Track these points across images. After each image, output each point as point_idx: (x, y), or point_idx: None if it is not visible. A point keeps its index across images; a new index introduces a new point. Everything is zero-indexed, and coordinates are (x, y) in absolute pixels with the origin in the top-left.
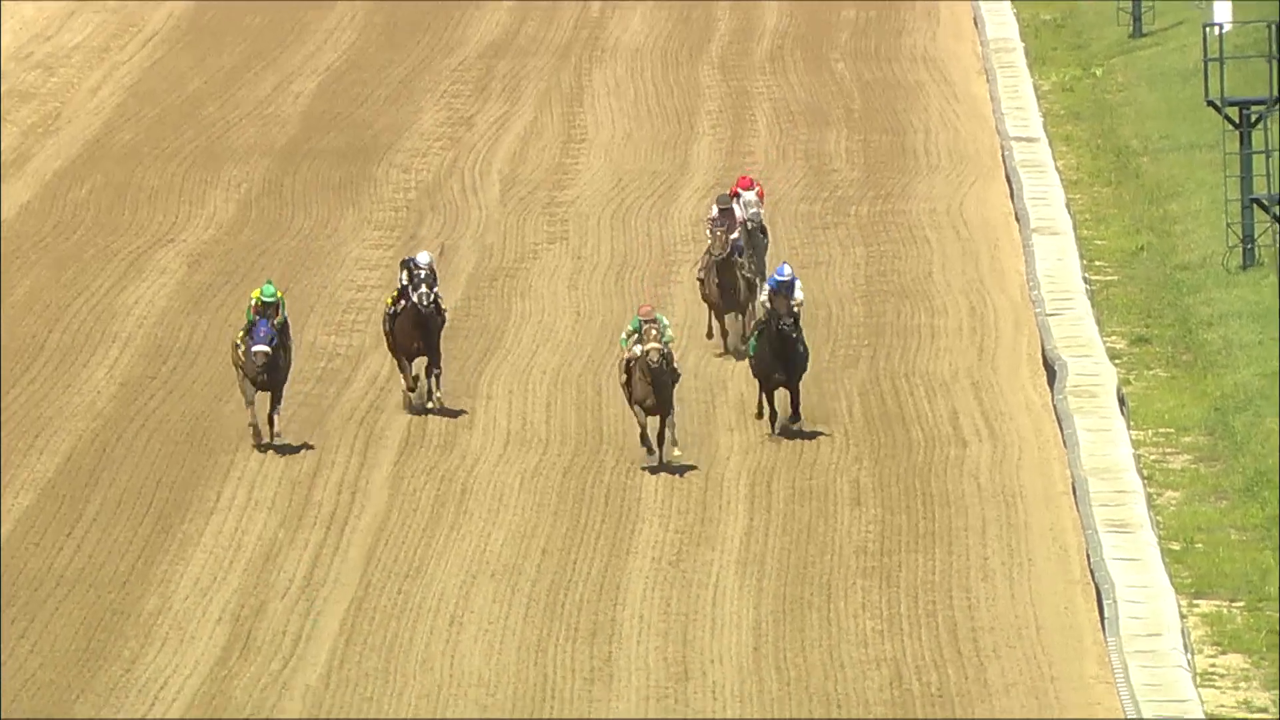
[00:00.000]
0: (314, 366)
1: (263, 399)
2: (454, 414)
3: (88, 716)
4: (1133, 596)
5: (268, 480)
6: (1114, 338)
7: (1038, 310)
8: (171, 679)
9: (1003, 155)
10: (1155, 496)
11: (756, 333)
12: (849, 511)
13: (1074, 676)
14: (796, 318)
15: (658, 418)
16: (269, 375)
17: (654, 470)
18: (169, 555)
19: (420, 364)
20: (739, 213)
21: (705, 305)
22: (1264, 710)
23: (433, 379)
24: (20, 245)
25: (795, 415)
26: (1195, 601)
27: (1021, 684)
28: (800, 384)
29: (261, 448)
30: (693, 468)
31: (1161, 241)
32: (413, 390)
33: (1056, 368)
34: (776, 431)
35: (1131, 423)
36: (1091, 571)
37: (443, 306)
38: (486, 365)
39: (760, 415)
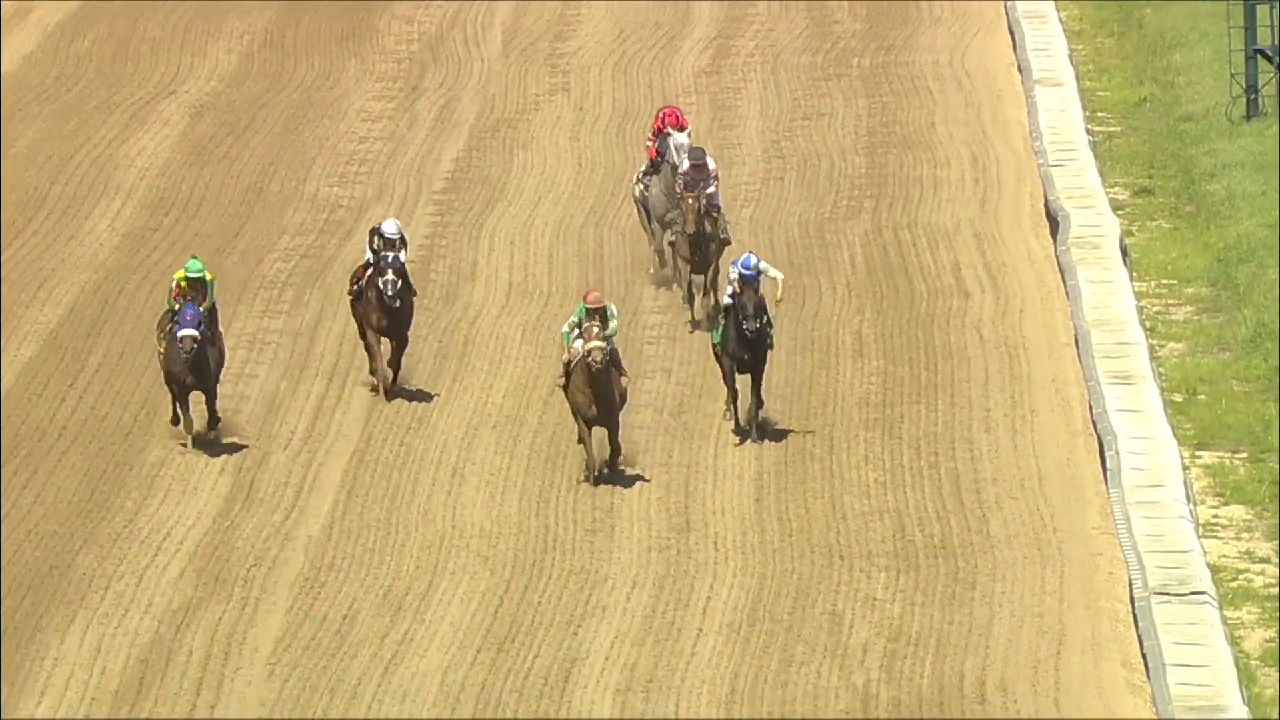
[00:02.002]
0: (316, 219)
1: (194, 401)
2: (456, 266)
3: (91, 567)
4: (1135, 448)
5: (270, 334)
6: (1116, 189)
7: (1040, 162)
8: (174, 530)
9: (1005, 6)
10: (1158, 348)
11: (722, 317)
12: (851, 363)
13: (1076, 528)
14: (762, 313)
15: (604, 429)
16: (196, 372)
17: (595, 483)
18: (170, 408)
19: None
20: (674, 159)
21: (675, 260)
22: (1266, 561)
23: (397, 359)
24: (22, 97)
25: (755, 411)
26: (1197, 453)
27: (1024, 535)
28: (764, 373)
29: (194, 447)
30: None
31: (1164, 93)
32: (374, 373)
33: (1059, 219)
34: (743, 424)
35: (1134, 274)
36: (1094, 423)
37: (412, 285)
38: (488, 217)
39: (729, 413)
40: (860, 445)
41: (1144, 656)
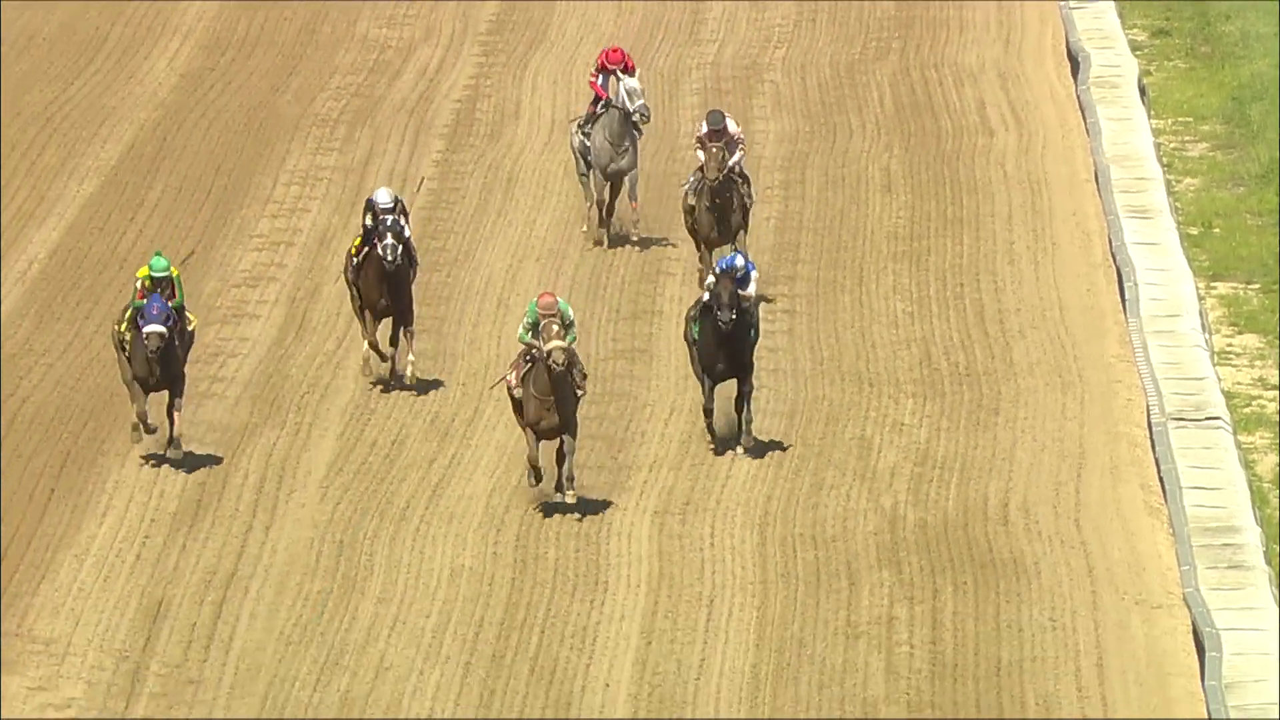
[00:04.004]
0: (366, 59)
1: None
2: (501, 105)
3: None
4: (1152, 279)
5: (322, 170)
6: (1135, 30)
7: (1062, 4)
8: (230, 359)
9: None
10: (1174, 183)
11: (699, 316)
12: (880, 198)
13: (1096, 356)
14: (741, 310)
15: (555, 441)
16: (162, 368)
17: (547, 511)
18: (227, 240)
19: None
20: (625, 101)
21: (691, 237)
22: (1278, 388)
23: (406, 338)
24: None
25: (747, 415)
26: (1213, 284)
27: (1045, 363)
28: (751, 379)
29: (155, 458)
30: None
31: None
32: (383, 359)
33: (1080, 59)
34: (730, 441)
35: (1152, 112)
36: (1113, 255)
37: (414, 254)
38: (531, 57)
39: (710, 431)
40: (889, 277)
41: (1161, 479)
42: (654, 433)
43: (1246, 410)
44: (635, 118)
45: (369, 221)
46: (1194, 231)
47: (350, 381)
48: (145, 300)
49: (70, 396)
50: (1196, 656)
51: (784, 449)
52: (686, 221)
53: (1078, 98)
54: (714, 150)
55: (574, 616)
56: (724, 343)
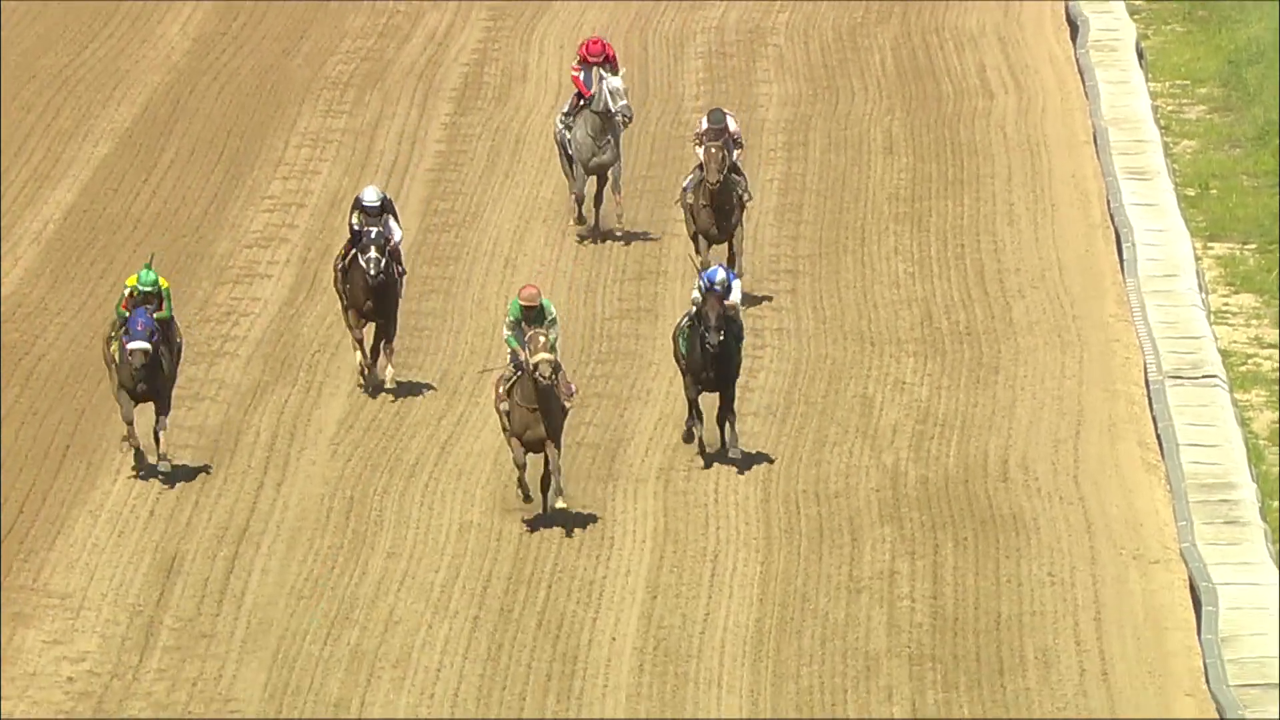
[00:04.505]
0: (375, 23)
1: (143, 412)
2: (508, 69)
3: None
4: (1150, 239)
5: (332, 133)
6: None
7: None
8: (242, 319)
9: None
10: (1172, 145)
11: (687, 327)
12: (882, 160)
13: (1094, 315)
14: (727, 325)
15: (542, 453)
16: (149, 381)
17: (533, 526)
18: (239, 202)
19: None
20: (608, 101)
21: (689, 234)
22: (1273, 346)
23: (385, 353)
24: None
25: (732, 429)
26: (1209, 244)
27: (1045, 322)
28: (734, 389)
29: (143, 470)
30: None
31: None
32: (363, 371)
33: (1079, 23)
34: (709, 448)
35: (1149, 75)
36: (1111, 216)
37: (401, 264)
38: (538, 21)
39: (690, 436)
40: (890, 237)
41: (1158, 437)
42: (659, 391)
43: (1243, 368)
44: (617, 119)
45: (355, 221)
46: (1191, 192)
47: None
48: (130, 315)
49: (85, 355)
50: (1193, 611)
51: (787, 407)
52: (686, 218)
53: (1076, 61)
54: (714, 152)
55: (580, 571)
56: (711, 359)
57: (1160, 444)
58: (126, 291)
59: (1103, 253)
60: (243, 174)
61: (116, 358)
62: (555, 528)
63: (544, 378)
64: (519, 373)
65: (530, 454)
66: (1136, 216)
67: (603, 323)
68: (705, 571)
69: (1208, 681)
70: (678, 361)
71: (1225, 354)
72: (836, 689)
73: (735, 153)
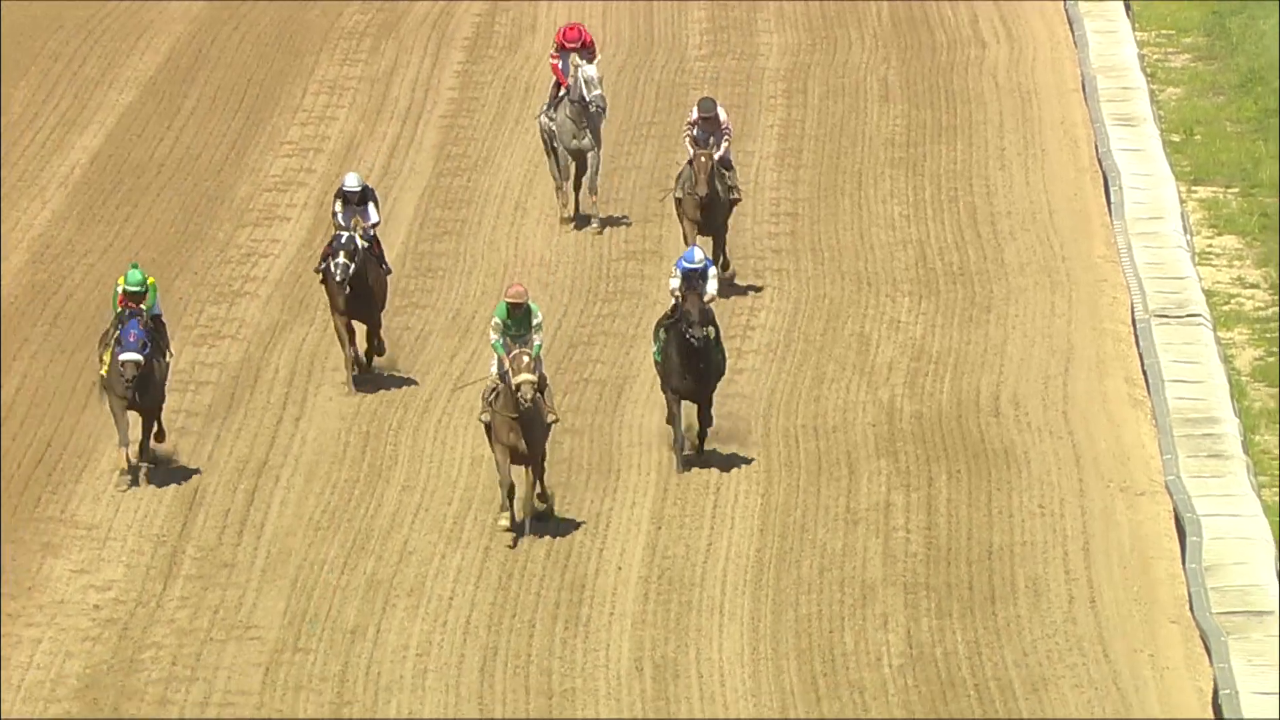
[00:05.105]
0: None
1: (134, 421)
2: (518, 19)
3: (187, 292)
4: (1137, 184)
5: (348, 80)
6: None
7: None
8: (262, 259)
9: None
10: (1158, 92)
11: (664, 329)
12: (878, 107)
13: (1083, 256)
14: (708, 322)
15: (524, 467)
16: (140, 392)
17: (514, 543)
18: (259, 147)
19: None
20: (582, 90)
21: (679, 223)
22: (1255, 286)
23: (371, 347)
24: None
25: (703, 432)
26: (1194, 188)
27: (1035, 263)
28: (713, 395)
29: (132, 475)
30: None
31: None
32: (351, 368)
33: None
34: (687, 450)
35: (1136, 25)
36: (1099, 160)
37: (384, 258)
38: None
39: (676, 441)
40: (886, 181)
41: (1144, 373)
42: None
43: (1225, 307)
44: (592, 109)
45: (337, 208)
46: (1176, 138)
47: None
48: (122, 328)
49: (110, 294)
50: (1178, 540)
51: (788, 345)
52: (676, 208)
53: (1065, 11)
54: (703, 161)
55: (588, 503)
56: (693, 358)
57: (1146, 380)
58: (119, 290)
59: (1091, 196)
60: (262, 120)
61: (107, 370)
62: (563, 463)
63: (525, 400)
64: (503, 382)
65: (513, 465)
66: (1124, 161)
67: (609, 263)
68: (707, 504)
69: (1191, 609)
70: (656, 368)
71: (1209, 294)
72: (834, 616)
73: (724, 144)
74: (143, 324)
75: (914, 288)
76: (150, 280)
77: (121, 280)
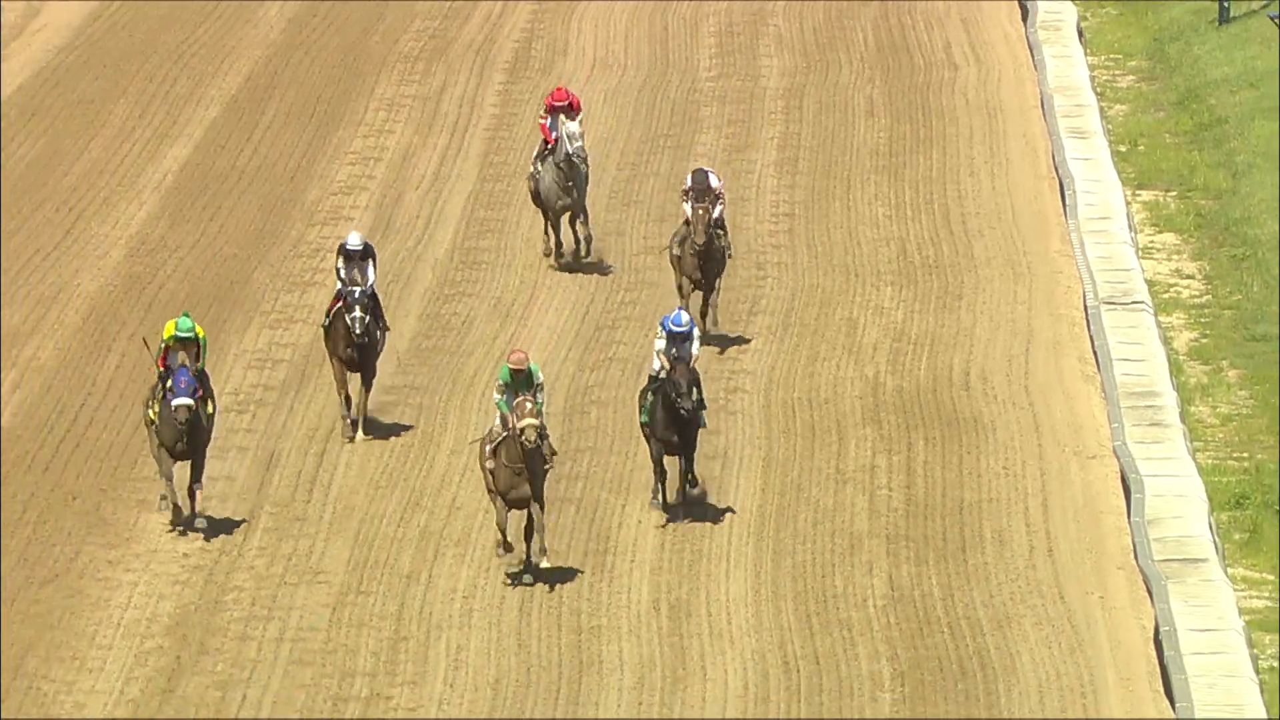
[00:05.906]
0: (440, 5)
1: (181, 471)
2: (552, 44)
3: (263, 283)
4: (1088, 188)
5: (404, 99)
6: None
7: None
8: (329, 255)
9: None
10: (1107, 109)
11: (652, 389)
12: (864, 121)
13: (1041, 251)
14: (696, 388)
15: (526, 511)
16: (190, 439)
17: (515, 581)
18: (326, 156)
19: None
20: (565, 144)
21: (674, 272)
22: (1191, 277)
23: (363, 394)
24: None
25: (692, 482)
26: (1138, 192)
27: (1000, 257)
28: (695, 452)
29: (181, 524)
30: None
31: None
32: (346, 414)
33: (1028, 6)
34: (672, 501)
35: (1088, 50)
36: (1056, 168)
37: (384, 321)
38: (577, 4)
39: (654, 498)
40: (871, 186)
41: (1095, 352)
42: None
43: (1165, 295)
44: (575, 159)
45: (339, 265)
46: (1123, 149)
47: (428, 272)
48: (174, 374)
49: (197, 285)
50: (1124, 497)
51: (785, 328)
52: (671, 261)
53: (1027, 39)
54: (700, 213)
55: (612, 464)
56: (678, 425)
57: (1096, 359)
58: (164, 343)
59: (1048, 199)
60: (329, 133)
61: (157, 419)
62: (590, 430)
63: (529, 442)
64: (506, 434)
65: (514, 511)
66: (1077, 169)
67: (630, 257)
68: (716, 465)
69: (1136, 557)
70: (642, 428)
71: (1151, 283)
72: (825, 564)
73: (718, 209)
74: (193, 373)
75: (895, 278)
76: (200, 332)
77: (170, 327)
